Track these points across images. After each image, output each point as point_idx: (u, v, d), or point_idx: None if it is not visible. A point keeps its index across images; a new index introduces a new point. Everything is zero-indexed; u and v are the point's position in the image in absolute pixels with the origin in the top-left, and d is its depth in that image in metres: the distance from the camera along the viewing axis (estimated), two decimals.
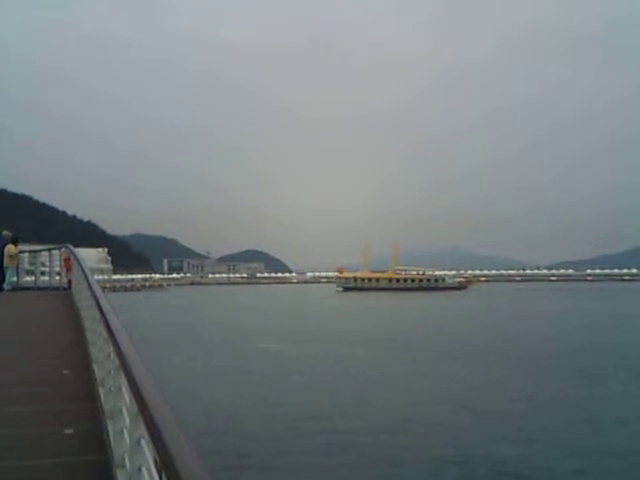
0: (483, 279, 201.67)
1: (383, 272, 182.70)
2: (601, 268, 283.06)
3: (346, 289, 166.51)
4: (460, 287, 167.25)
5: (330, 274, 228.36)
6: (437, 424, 22.80)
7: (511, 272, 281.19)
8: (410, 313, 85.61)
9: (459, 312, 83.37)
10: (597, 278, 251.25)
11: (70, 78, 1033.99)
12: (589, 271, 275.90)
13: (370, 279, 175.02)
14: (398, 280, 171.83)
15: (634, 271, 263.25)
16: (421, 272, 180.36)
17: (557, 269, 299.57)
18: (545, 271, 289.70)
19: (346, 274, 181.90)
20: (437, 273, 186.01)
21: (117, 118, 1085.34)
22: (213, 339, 50.24)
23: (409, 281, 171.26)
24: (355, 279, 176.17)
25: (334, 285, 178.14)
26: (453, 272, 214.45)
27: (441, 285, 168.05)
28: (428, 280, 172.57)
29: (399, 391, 28.70)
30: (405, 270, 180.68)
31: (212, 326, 62.06)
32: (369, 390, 28.96)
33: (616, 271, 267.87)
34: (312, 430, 21.50)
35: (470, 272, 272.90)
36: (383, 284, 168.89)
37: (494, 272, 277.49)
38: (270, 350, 43.73)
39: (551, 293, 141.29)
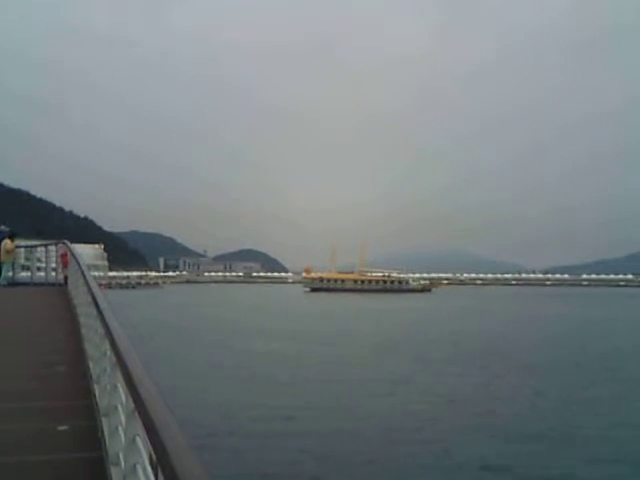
0: (445, 282, 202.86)
1: (349, 273, 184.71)
2: (597, 274, 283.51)
3: (313, 289, 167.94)
4: (424, 289, 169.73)
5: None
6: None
7: (507, 276, 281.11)
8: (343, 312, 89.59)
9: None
10: (592, 283, 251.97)
11: (70, 75, 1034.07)
12: (585, 276, 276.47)
13: (336, 280, 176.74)
14: (363, 282, 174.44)
15: (629, 277, 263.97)
16: (386, 274, 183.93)
17: (553, 273, 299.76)
18: (540, 275, 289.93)
19: (313, 275, 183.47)
20: (401, 276, 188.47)
21: (117, 116, 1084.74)
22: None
23: (374, 283, 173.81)
24: (322, 280, 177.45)
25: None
26: (417, 275, 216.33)
27: (405, 287, 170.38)
28: (392, 282, 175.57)
29: None
30: (370, 272, 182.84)
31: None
32: None
33: (612, 277, 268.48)
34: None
35: (466, 275, 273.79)
36: (349, 285, 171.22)
37: (490, 276, 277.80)
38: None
39: (531, 298, 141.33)
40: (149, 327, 52.73)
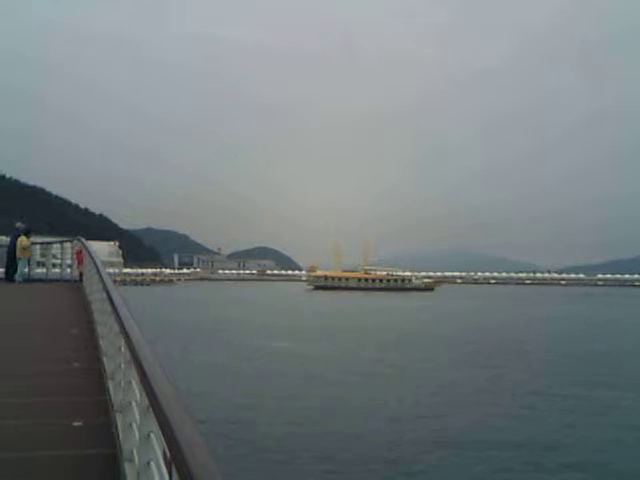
0: (436, 280, 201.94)
1: (353, 272, 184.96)
2: (612, 273, 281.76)
3: (317, 287, 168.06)
4: (427, 288, 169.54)
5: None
6: None
7: (521, 275, 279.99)
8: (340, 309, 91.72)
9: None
10: (608, 283, 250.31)
11: (79, 78, 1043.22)
12: (600, 276, 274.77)
13: (340, 278, 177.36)
14: (367, 280, 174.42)
15: None
16: (390, 273, 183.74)
17: (568, 273, 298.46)
18: (555, 275, 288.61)
19: (317, 273, 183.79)
20: (404, 274, 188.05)
21: (131, 119, 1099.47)
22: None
23: (377, 281, 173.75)
24: (326, 278, 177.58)
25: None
26: (422, 273, 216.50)
27: (408, 286, 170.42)
28: (395, 281, 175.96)
29: None
30: (374, 270, 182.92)
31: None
32: None
33: (627, 276, 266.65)
34: None
35: (480, 274, 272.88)
36: (352, 284, 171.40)
37: (504, 275, 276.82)
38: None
39: (537, 298, 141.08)
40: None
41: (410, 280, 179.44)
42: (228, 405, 25.18)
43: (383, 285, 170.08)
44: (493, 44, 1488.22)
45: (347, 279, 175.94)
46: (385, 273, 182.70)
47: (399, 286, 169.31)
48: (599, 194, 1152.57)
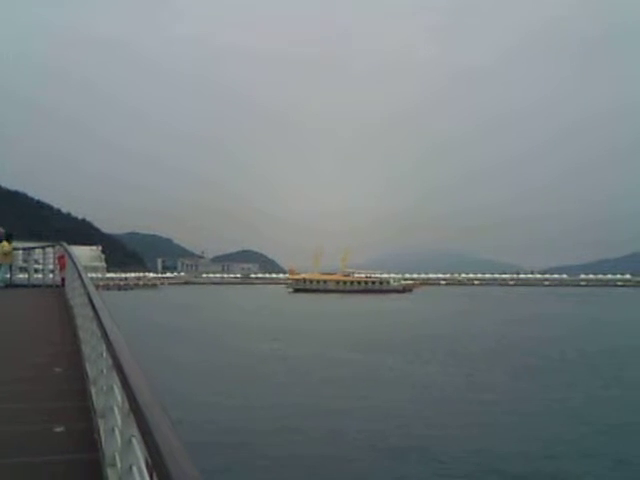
0: (415, 282, 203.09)
1: (332, 274, 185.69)
2: (594, 274, 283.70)
3: (296, 290, 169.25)
4: (405, 290, 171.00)
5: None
6: None
7: (505, 276, 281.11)
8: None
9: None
10: (590, 283, 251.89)
11: (70, 78, 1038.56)
12: (583, 276, 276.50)
13: (319, 281, 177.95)
14: (345, 282, 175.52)
15: (627, 277, 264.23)
16: (368, 275, 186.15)
17: (552, 274, 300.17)
18: (539, 275, 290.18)
19: (296, 276, 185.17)
20: (382, 276, 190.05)
21: (114, 118, 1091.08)
22: None
23: (355, 284, 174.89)
24: (305, 280, 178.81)
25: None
26: (400, 275, 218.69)
27: (385, 288, 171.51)
28: (373, 283, 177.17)
29: None
30: (353, 273, 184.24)
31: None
32: None
33: (610, 277, 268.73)
34: None
35: (464, 275, 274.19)
36: (331, 286, 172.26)
37: (488, 276, 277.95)
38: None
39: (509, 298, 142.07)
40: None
41: (388, 282, 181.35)
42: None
43: (361, 287, 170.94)
44: (491, 42, 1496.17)
45: (325, 282, 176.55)
46: (364, 275, 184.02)
47: (377, 288, 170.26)
48: (589, 195, 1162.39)
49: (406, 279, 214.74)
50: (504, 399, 27.56)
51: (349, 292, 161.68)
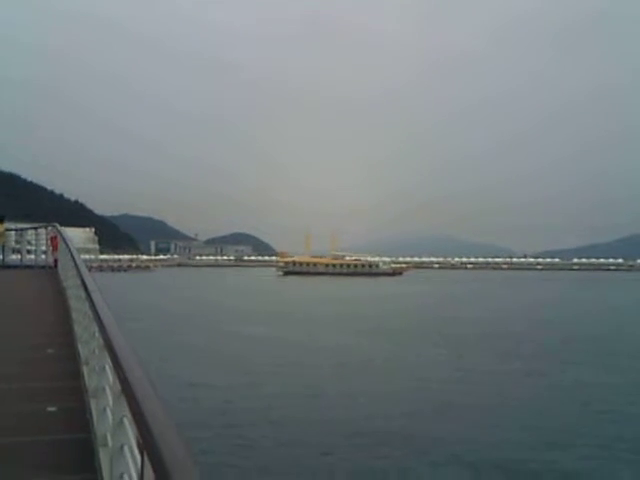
0: (407, 265, 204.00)
1: (322, 257, 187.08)
2: (587, 258, 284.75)
3: (286, 273, 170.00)
4: (394, 273, 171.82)
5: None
6: None
7: (498, 260, 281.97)
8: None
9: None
10: (583, 267, 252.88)
11: (67, 58, 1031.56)
12: (575, 260, 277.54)
13: (308, 263, 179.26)
14: (335, 265, 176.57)
15: (619, 261, 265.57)
16: (358, 258, 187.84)
17: (544, 257, 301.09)
18: (531, 260, 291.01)
19: (287, 258, 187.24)
20: (372, 259, 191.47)
21: (108, 96, 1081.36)
22: None
23: (345, 266, 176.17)
24: (294, 263, 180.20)
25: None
26: (390, 259, 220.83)
27: (375, 271, 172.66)
28: (363, 266, 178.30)
29: None
30: (344, 256, 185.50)
31: None
32: None
33: (602, 260, 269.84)
34: None
35: (457, 259, 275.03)
36: (321, 269, 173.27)
37: (481, 260, 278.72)
38: None
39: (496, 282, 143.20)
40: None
41: (377, 265, 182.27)
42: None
43: (351, 270, 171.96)
44: (479, 29, 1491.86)
45: (315, 264, 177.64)
46: (353, 258, 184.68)
47: (366, 271, 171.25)
48: (581, 180, 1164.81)
49: (399, 262, 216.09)
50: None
51: (338, 275, 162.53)
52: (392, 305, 69.49)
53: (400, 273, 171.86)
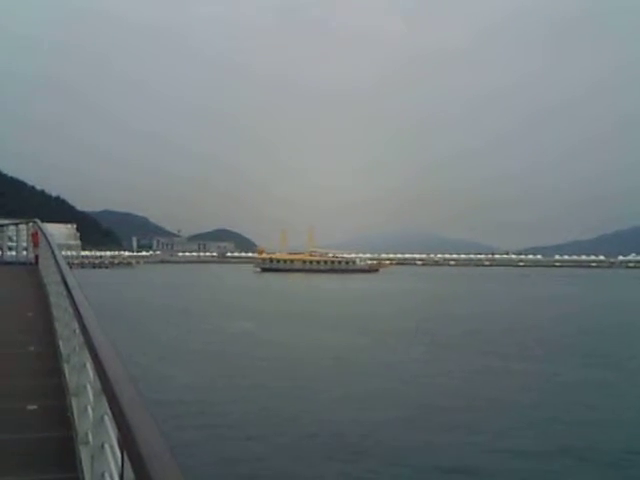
0: (388, 262, 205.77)
1: (299, 254, 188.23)
2: (569, 255, 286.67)
3: (264, 270, 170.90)
4: (370, 270, 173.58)
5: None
6: None
7: (480, 256, 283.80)
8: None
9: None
10: (565, 264, 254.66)
11: (61, 48, 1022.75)
12: (557, 257, 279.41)
13: (286, 260, 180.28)
14: (312, 262, 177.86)
15: (601, 258, 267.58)
16: (335, 255, 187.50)
17: (526, 254, 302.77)
18: (514, 256, 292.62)
19: (264, 255, 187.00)
20: (349, 256, 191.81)
21: (91, 80, 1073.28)
22: None
23: (322, 263, 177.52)
24: (271, 260, 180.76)
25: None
26: (367, 255, 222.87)
27: (351, 268, 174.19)
28: (340, 262, 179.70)
29: None
30: (319, 252, 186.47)
31: None
32: None
33: (584, 257, 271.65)
34: None
35: (440, 256, 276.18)
36: (297, 265, 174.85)
37: (463, 256, 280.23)
38: None
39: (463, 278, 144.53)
40: None
41: (354, 262, 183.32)
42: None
43: (327, 267, 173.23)
44: (465, 22, 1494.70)
45: (292, 261, 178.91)
46: (331, 255, 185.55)
47: (343, 268, 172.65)
48: (563, 179, 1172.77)
49: (381, 259, 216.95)
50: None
51: (315, 271, 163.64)
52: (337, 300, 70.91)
53: (376, 270, 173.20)
